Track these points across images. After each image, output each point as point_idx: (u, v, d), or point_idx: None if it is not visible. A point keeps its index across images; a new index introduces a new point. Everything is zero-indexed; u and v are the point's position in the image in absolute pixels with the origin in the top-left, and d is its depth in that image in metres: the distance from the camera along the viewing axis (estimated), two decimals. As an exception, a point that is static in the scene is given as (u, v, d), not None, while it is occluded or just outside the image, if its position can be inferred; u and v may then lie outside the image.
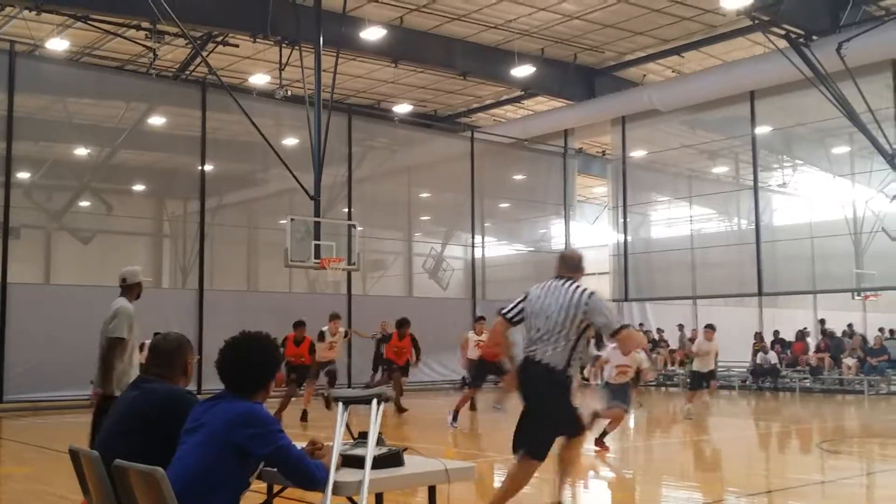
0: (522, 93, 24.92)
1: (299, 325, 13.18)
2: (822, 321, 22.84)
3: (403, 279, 24.37)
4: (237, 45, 19.75)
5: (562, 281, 5.43)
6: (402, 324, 14.99)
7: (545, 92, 24.48)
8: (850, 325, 22.53)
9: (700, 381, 14.28)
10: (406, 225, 24.59)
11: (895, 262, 18.53)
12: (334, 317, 13.77)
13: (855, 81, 17.32)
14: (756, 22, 17.88)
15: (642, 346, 4.70)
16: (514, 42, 21.50)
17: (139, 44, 18.72)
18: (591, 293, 5.30)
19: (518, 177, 26.49)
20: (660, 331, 25.32)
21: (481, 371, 13.35)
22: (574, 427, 5.45)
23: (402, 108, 25.65)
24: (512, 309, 5.52)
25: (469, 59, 21.79)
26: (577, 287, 5.37)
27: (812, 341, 22.38)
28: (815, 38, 18.03)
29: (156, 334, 4.16)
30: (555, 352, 5.21)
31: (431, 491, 4.03)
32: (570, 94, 24.11)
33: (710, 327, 14.16)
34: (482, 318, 14.60)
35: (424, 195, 25.30)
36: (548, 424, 5.26)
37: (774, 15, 17.69)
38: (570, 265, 5.61)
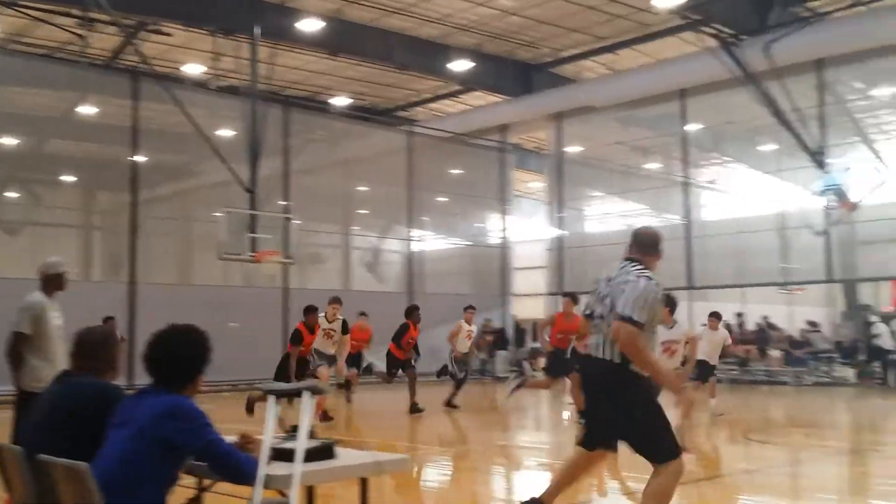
0: (460, 87, 25.03)
1: (311, 310, 11.62)
2: (740, 314, 23.41)
3: (341, 272, 24.28)
4: (170, 34, 19.38)
5: (626, 263, 4.74)
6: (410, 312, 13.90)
7: (483, 87, 24.62)
8: (764, 318, 23.08)
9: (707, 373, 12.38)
10: (344, 218, 24.49)
11: (819, 256, 19.16)
12: (334, 301, 12.11)
13: (781, 81, 17.84)
14: (687, 21, 18.30)
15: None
16: (451, 37, 21.57)
17: (69, 31, 18.21)
18: (640, 278, 4.57)
19: (456, 171, 26.60)
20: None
21: (559, 361, 11.88)
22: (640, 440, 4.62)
23: (341, 101, 25.52)
24: (587, 305, 4.87)
25: (407, 52, 21.79)
26: (634, 271, 4.65)
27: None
28: (743, 38, 18.52)
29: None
30: (610, 344, 4.61)
31: (364, 483, 4.06)
32: (508, 89, 24.32)
33: (714, 315, 12.91)
34: (472, 307, 14.33)
35: (362, 188, 25.22)
36: (619, 425, 4.63)
37: (705, 14, 18.13)
38: (640, 244, 4.86)
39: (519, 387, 12.43)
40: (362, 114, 25.79)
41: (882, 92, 20.70)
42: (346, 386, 14.59)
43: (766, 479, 8.07)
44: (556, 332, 11.81)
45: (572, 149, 25.43)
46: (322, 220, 23.28)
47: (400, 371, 13.56)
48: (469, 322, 13.94)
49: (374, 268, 23.57)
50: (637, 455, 4.58)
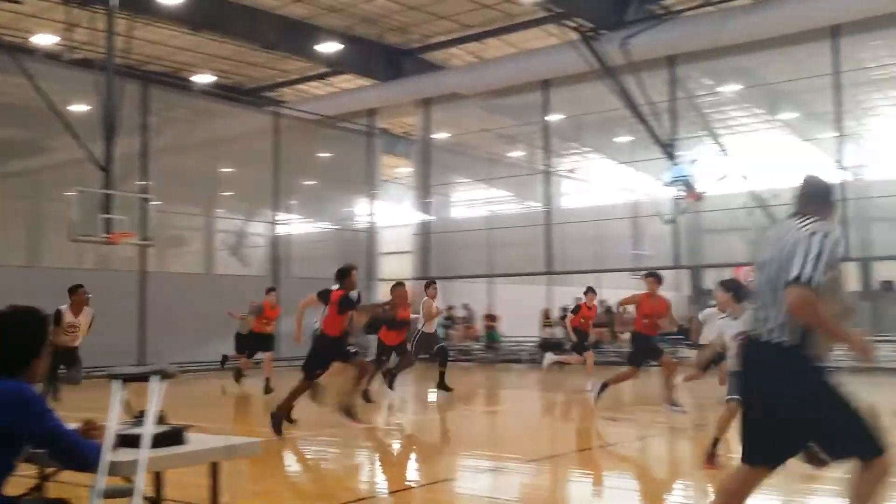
0: (329, 70, 24.82)
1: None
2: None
3: (203, 256, 23.69)
4: (21, 2, 18.25)
5: (795, 218, 3.81)
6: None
7: (351, 70, 24.52)
8: (601, 302, 23.97)
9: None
10: (207, 200, 23.85)
11: (668, 243, 20.26)
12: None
13: (637, 76, 18.66)
14: (550, 13, 18.84)
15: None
16: (321, 17, 21.34)
17: None
18: (816, 232, 3.60)
19: (323, 154, 26.40)
20: (466, 307, 26.24)
21: (644, 349, 11.02)
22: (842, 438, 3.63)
23: (204, 79, 24.78)
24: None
25: (274, 31, 21.39)
26: (809, 225, 3.68)
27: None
28: (602, 32, 19.24)
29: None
30: (777, 321, 3.64)
31: (214, 468, 4.08)
32: (377, 73, 24.31)
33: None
34: (433, 282, 13.73)
35: (227, 170, 24.61)
36: (784, 429, 3.64)
37: (567, 7, 18.73)
38: (810, 196, 3.89)
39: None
40: (227, 93, 25.16)
41: (728, 89, 22.01)
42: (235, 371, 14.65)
43: (620, 453, 8.53)
44: (640, 316, 10.86)
45: (439, 135, 25.73)
46: (184, 201, 22.58)
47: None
48: (433, 297, 13.17)
49: (238, 251, 23.12)
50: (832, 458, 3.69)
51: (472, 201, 27.54)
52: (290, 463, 8.15)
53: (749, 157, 20.08)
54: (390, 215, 28.43)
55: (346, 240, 25.06)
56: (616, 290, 25.04)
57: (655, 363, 11.45)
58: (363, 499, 6.27)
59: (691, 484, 7.04)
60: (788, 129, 23.16)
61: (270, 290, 14.66)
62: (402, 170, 30.75)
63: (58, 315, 10.06)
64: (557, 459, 8.10)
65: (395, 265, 26.49)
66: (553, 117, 23.15)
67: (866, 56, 19.14)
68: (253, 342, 14.39)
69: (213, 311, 17.15)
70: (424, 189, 25.46)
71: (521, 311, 24.39)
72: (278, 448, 8.28)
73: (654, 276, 10.93)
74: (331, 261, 25.89)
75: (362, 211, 26.04)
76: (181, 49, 22.76)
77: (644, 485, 7.13)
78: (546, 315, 24.03)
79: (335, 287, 9.08)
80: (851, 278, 22.87)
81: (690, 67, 20.57)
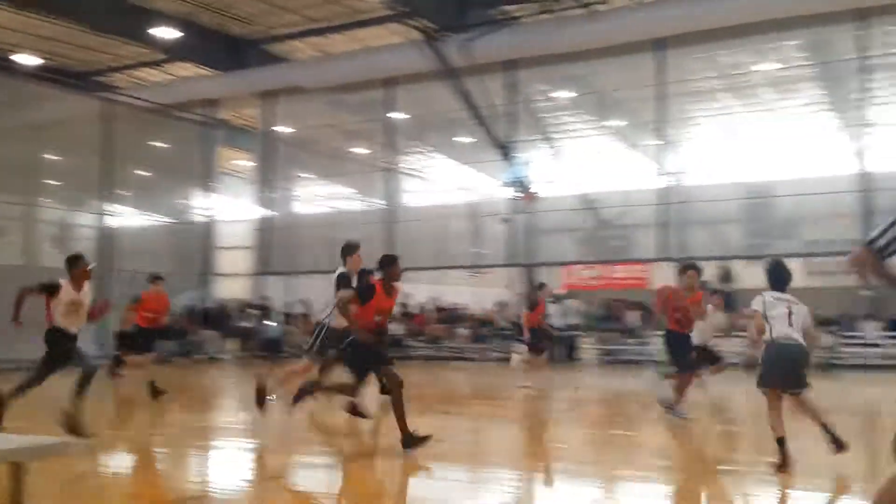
0: (165, 57, 23.92)
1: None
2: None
3: (24, 247, 22.24)
4: None
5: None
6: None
7: (190, 58, 23.76)
8: (432, 298, 24.51)
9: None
10: (29, 188, 22.39)
11: (504, 243, 20.90)
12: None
13: (477, 78, 19.16)
14: (395, 12, 19.01)
15: None
16: (158, 2, 20.57)
17: None
18: None
19: (159, 144, 25.36)
20: (304, 302, 25.94)
21: (683, 350, 9.42)
22: None
23: (28, 60, 23.26)
24: (885, 232, 3.20)
25: (106, 13, 20.41)
26: None
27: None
28: (446, 34, 19.61)
29: None
30: None
31: (17, 469, 3.91)
32: (217, 63, 23.68)
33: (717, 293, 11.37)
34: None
35: (52, 157, 23.21)
36: None
37: (411, 7, 18.96)
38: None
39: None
40: (53, 75, 23.72)
41: (562, 95, 22.95)
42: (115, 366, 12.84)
43: (450, 446, 8.74)
44: (672, 311, 9.28)
45: (282, 129, 25.37)
46: (2, 189, 21.13)
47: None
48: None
49: (63, 243, 21.86)
50: None
51: (315, 197, 27.31)
52: (110, 463, 7.84)
53: (580, 162, 21.06)
54: (230, 209, 27.73)
55: (182, 233, 24.27)
56: (456, 287, 25.65)
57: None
58: (188, 498, 6.14)
59: (523, 475, 7.34)
60: (616, 136, 24.41)
61: (156, 278, 12.22)
62: (243, 163, 30.08)
63: (53, 287, 8.07)
64: (384, 454, 8.22)
65: (234, 260, 25.88)
66: (396, 115, 23.33)
67: (688, 68, 20.42)
68: (142, 338, 12.04)
69: (34, 305, 16.14)
70: (266, 183, 25.03)
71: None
72: (106, 447, 7.95)
73: (693, 267, 9.42)
74: (165, 255, 25.09)
75: (199, 204, 25.27)
76: (3, 28, 21.30)
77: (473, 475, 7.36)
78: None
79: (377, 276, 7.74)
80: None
81: (528, 73, 21.28)
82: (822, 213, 18.78)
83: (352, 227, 23.73)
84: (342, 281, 8.53)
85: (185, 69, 24.97)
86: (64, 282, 8.15)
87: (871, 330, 17.78)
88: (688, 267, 9.41)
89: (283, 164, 25.20)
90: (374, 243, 22.86)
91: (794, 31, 18.70)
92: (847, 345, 17.27)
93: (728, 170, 20.08)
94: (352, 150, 26.42)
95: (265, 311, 23.12)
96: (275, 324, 22.58)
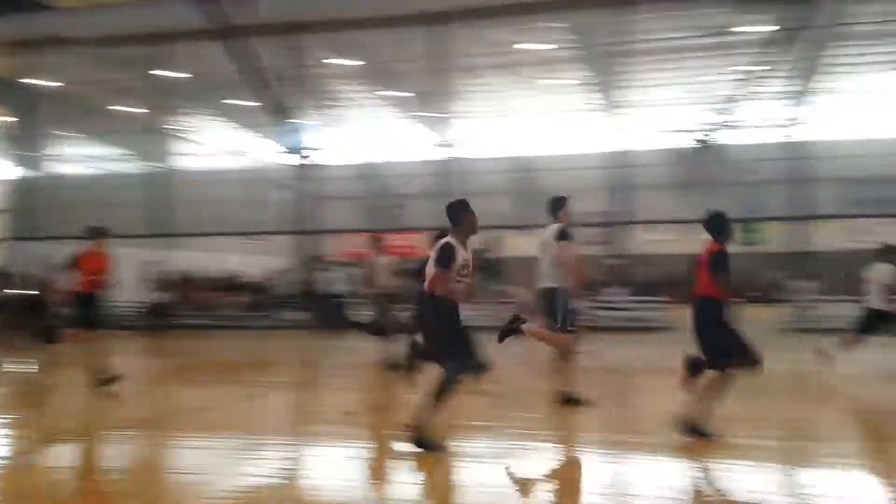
0: None
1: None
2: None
3: None
4: None
5: None
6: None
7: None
8: (206, 267, 24.01)
9: None
10: None
11: (285, 209, 20.72)
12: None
13: (260, 40, 18.67)
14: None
15: None
16: None
17: None
18: None
19: None
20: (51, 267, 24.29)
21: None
22: None
23: None
24: None
25: None
26: None
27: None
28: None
29: None
30: None
31: None
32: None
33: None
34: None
35: None
36: None
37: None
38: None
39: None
40: None
41: (343, 62, 22.91)
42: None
43: (222, 414, 8.72)
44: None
45: (44, 82, 23.48)
46: None
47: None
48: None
49: None
50: None
51: (86, 157, 25.60)
52: None
53: (362, 130, 21.29)
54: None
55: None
56: (236, 255, 25.15)
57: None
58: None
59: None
60: (397, 107, 24.77)
61: (97, 230, 9.96)
62: (-1, 118, 27.55)
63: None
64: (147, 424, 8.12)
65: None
66: (169, 74, 22.29)
67: (460, 45, 20.98)
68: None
69: None
70: (26, 141, 23.16)
71: (128, 273, 23.23)
72: None
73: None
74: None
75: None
76: None
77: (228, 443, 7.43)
78: (159, 278, 23.13)
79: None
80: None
81: (312, 38, 21.02)
82: (583, 187, 20.21)
83: (126, 191, 22.61)
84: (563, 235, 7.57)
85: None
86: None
87: (618, 295, 19.38)
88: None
89: (46, 121, 23.38)
90: (150, 207, 21.94)
91: (561, 14, 19.85)
92: (599, 308, 18.64)
93: (497, 144, 21.09)
94: (125, 108, 24.93)
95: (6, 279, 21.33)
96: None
